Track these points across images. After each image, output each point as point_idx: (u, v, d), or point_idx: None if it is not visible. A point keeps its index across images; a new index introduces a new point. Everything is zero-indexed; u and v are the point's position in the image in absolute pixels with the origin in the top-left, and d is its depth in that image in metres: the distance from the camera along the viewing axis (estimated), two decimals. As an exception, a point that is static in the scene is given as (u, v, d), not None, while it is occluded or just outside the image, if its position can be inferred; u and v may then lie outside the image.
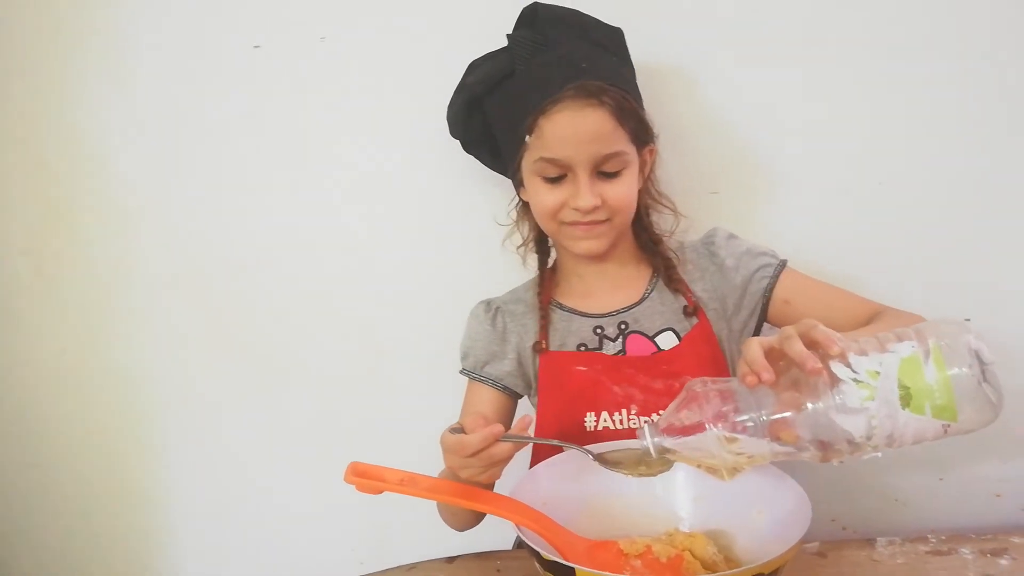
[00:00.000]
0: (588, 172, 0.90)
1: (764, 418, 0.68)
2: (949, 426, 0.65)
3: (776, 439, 0.68)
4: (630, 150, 0.92)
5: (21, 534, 1.42)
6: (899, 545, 0.92)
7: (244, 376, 1.31)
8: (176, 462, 1.36)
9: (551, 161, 0.90)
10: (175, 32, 1.19)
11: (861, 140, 1.11)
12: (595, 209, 0.91)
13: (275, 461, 1.33)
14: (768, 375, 0.66)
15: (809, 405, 0.66)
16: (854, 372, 0.65)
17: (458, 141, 1.04)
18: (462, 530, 0.98)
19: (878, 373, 0.64)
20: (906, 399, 0.64)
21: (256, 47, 1.17)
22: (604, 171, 0.91)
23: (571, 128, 0.88)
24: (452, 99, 1.00)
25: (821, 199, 1.13)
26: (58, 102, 1.24)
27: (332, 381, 1.28)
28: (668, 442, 0.72)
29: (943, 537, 0.93)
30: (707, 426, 0.68)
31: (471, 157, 1.06)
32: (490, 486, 0.86)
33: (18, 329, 1.34)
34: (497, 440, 0.75)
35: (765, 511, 0.79)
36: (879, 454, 0.67)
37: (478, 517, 0.95)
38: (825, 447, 0.67)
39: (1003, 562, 0.88)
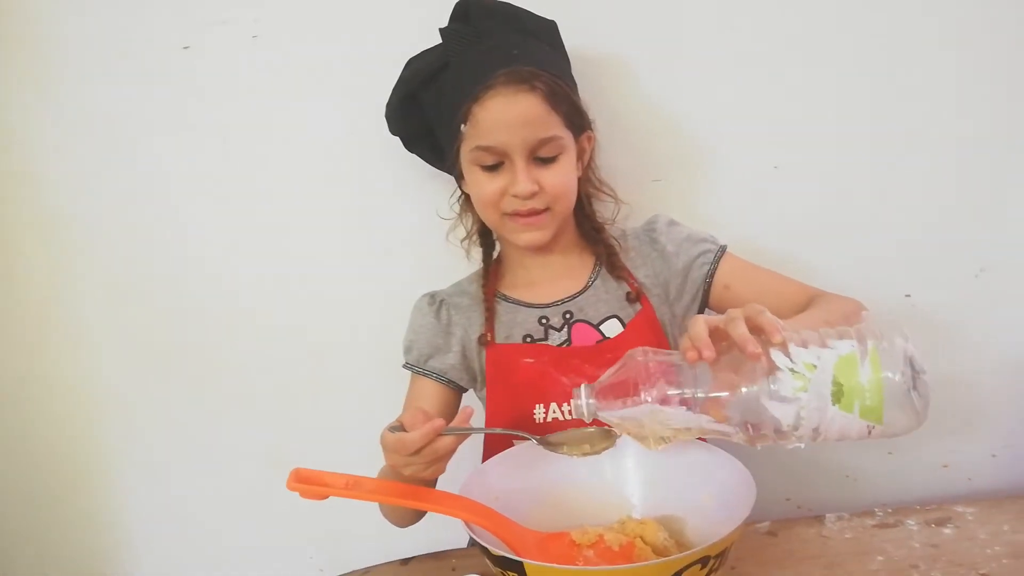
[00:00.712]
0: (524, 158, 0.90)
1: (698, 395, 0.68)
2: (873, 428, 0.66)
3: (707, 416, 0.68)
4: (565, 135, 0.92)
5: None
6: (847, 520, 0.94)
7: (188, 383, 1.27)
8: (125, 474, 1.32)
9: (486, 149, 0.90)
10: (102, 35, 1.16)
11: (799, 125, 1.12)
12: (533, 195, 0.91)
13: (226, 470, 1.30)
14: (709, 352, 0.67)
15: (743, 388, 0.67)
16: (791, 362, 0.66)
17: (399, 139, 1.04)
18: (404, 526, 0.97)
19: (815, 366, 0.65)
20: (837, 395, 0.65)
21: (185, 48, 1.14)
22: (540, 157, 0.91)
23: (503, 114, 0.88)
24: (390, 97, 1.00)
25: (761, 184, 1.14)
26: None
27: (278, 383, 1.26)
28: (602, 408, 0.72)
29: (890, 510, 0.95)
30: (641, 395, 0.69)
31: (412, 158, 1.05)
32: (433, 482, 0.86)
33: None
34: (439, 435, 0.74)
35: (714, 495, 0.80)
36: (802, 445, 0.68)
37: (420, 513, 0.94)
38: (752, 430, 0.68)
39: (947, 531, 0.90)
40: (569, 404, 0.94)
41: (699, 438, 0.74)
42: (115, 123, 1.18)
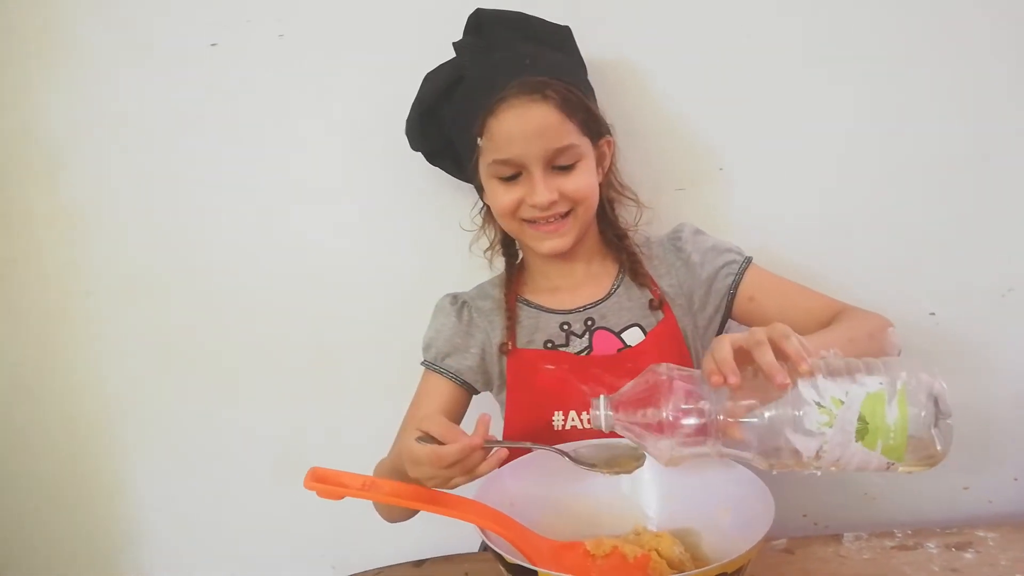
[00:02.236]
0: (541, 168, 0.90)
1: (719, 417, 0.67)
2: (893, 464, 0.66)
3: (726, 439, 0.68)
4: (582, 142, 0.92)
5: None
6: (865, 540, 0.92)
7: (204, 383, 1.28)
8: (140, 471, 1.33)
9: (504, 162, 0.90)
10: (129, 31, 1.17)
11: (824, 138, 1.11)
12: (552, 204, 0.91)
13: (240, 467, 1.30)
14: (734, 379, 0.66)
15: (767, 415, 0.66)
16: (819, 396, 0.65)
17: (421, 154, 1.04)
18: (395, 522, 0.96)
19: (842, 403, 0.64)
20: (862, 432, 0.64)
21: (213, 45, 1.15)
22: (558, 165, 0.91)
23: (517, 125, 0.88)
24: (409, 113, 1.01)
25: (784, 197, 1.13)
26: (8, 104, 1.20)
27: (290, 382, 1.26)
28: (619, 422, 0.72)
29: (909, 531, 0.93)
30: (660, 412, 0.68)
31: (432, 165, 1.06)
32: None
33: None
34: (476, 450, 0.73)
35: (731, 509, 0.79)
36: (819, 473, 0.67)
37: (412, 512, 0.93)
38: (771, 457, 0.67)
39: (968, 556, 0.88)
40: (588, 412, 0.93)
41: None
42: (137, 118, 1.19)
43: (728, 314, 0.99)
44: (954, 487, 1.20)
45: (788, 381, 0.64)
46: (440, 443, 0.73)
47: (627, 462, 0.79)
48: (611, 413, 0.72)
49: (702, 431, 0.68)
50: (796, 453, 0.65)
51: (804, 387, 0.65)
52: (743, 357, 0.67)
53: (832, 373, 0.66)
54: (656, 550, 0.78)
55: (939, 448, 0.65)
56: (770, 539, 0.90)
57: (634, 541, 0.81)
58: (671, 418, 0.68)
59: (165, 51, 1.17)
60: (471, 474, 0.75)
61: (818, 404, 0.64)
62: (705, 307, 0.98)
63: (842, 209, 1.13)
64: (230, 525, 1.34)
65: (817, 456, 0.65)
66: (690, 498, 0.83)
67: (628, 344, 0.97)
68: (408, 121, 1.01)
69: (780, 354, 0.66)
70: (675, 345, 0.96)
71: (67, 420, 1.32)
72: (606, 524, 0.84)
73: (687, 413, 0.68)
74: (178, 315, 1.26)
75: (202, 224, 1.22)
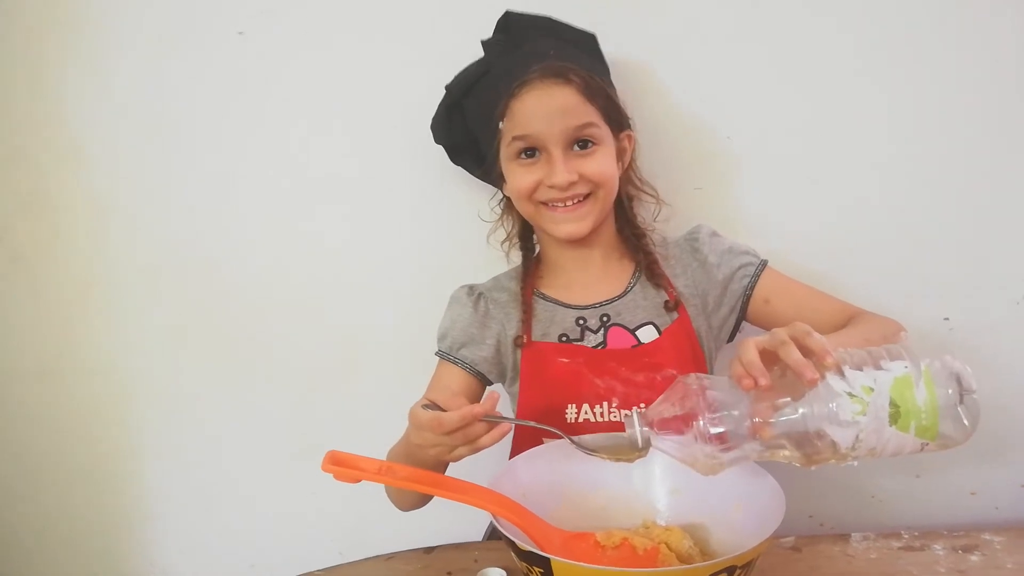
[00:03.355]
0: (561, 148, 0.91)
1: (754, 420, 0.68)
2: (927, 444, 0.67)
3: (761, 441, 0.68)
4: (602, 126, 0.93)
5: (-4, 522, 1.42)
6: (873, 540, 0.93)
7: (222, 367, 1.30)
8: (155, 454, 1.35)
9: (522, 138, 0.92)
10: (156, 21, 1.18)
11: (845, 139, 1.11)
12: (571, 185, 0.92)
13: (253, 452, 1.32)
14: (765, 380, 0.67)
15: (802, 412, 0.67)
16: (849, 386, 0.66)
17: (444, 149, 1.05)
18: (407, 510, 0.97)
19: (872, 389, 0.66)
20: (895, 417, 0.65)
21: (240, 33, 1.16)
22: (579, 143, 0.92)
23: (539, 103, 0.89)
24: (437, 108, 1.03)
25: (800, 199, 1.14)
26: (36, 92, 1.22)
27: (310, 372, 1.28)
28: (654, 437, 0.73)
29: (916, 533, 0.94)
30: (696, 422, 0.69)
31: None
32: (442, 469, 0.86)
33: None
34: (476, 420, 0.74)
35: (742, 506, 0.80)
36: (856, 463, 0.69)
37: (425, 499, 0.95)
38: (809, 453, 0.68)
39: (973, 558, 0.89)
40: (601, 406, 0.95)
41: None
42: (160, 110, 1.21)
43: (743, 316, 1.00)
44: (961, 491, 1.21)
45: (817, 376, 0.65)
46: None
47: (630, 451, 0.79)
48: (647, 430, 0.73)
49: (739, 436, 0.69)
50: (834, 445, 0.66)
51: (833, 380, 0.66)
52: (768, 358, 0.68)
53: (857, 364, 0.67)
54: (666, 543, 0.79)
55: (967, 424, 0.67)
56: (777, 537, 0.91)
57: (644, 534, 0.82)
58: (707, 427, 0.69)
59: (190, 43, 1.18)
60: (473, 445, 0.76)
61: (850, 394, 0.65)
62: (720, 308, 0.99)
63: (858, 214, 1.13)
64: (240, 511, 1.36)
65: (854, 446, 0.66)
66: (700, 493, 0.83)
67: (642, 342, 0.97)
68: (435, 115, 1.03)
69: (804, 351, 0.67)
70: (689, 344, 0.97)
71: (84, 403, 1.34)
72: (616, 517, 0.85)
73: (722, 420, 0.69)
74: (196, 304, 1.27)
75: (221, 214, 1.24)
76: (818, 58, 1.10)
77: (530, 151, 0.92)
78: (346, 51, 1.16)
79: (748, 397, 0.69)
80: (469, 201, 1.13)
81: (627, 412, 0.92)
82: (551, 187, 0.92)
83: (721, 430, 0.69)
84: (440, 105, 1.02)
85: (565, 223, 0.95)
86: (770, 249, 1.03)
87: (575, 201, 0.93)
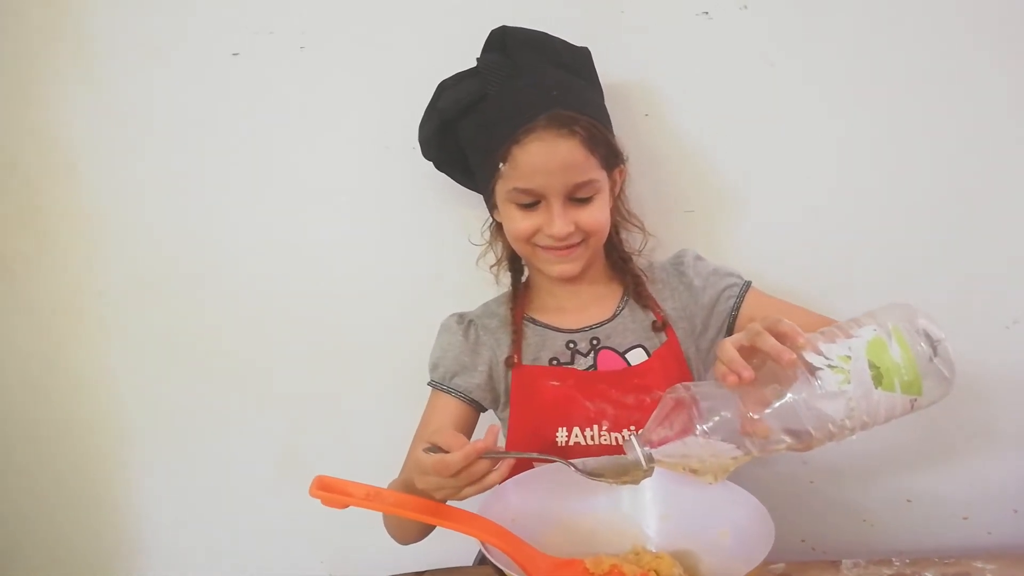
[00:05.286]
0: (561, 200, 0.91)
1: (749, 415, 0.68)
2: (915, 400, 0.68)
3: (760, 435, 0.69)
4: (601, 176, 0.93)
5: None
6: (863, 567, 0.92)
7: (212, 385, 1.29)
8: (144, 471, 1.34)
9: (525, 191, 0.91)
10: (150, 35, 1.18)
11: (829, 161, 1.12)
12: (568, 235, 0.92)
13: (243, 472, 1.31)
14: (748, 373, 0.67)
15: (790, 396, 0.67)
16: (827, 358, 0.67)
17: (430, 161, 1.05)
18: (408, 543, 0.96)
19: (849, 357, 0.67)
20: (878, 378, 0.67)
21: (235, 55, 1.17)
22: (576, 198, 0.92)
23: (544, 158, 0.89)
24: (423, 122, 1.01)
25: (789, 225, 1.14)
26: (28, 103, 1.22)
27: (300, 388, 1.27)
28: (657, 452, 0.72)
29: (907, 560, 0.93)
30: (693, 431, 0.69)
31: (445, 176, 1.07)
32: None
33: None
34: (479, 457, 0.73)
35: (730, 532, 0.79)
36: (855, 437, 0.69)
37: (425, 532, 0.94)
38: (806, 436, 0.68)
39: (965, 586, 0.89)
40: (591, 429, 0.95)
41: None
42: (154, 121, 1.20)
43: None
44: (954, 516, 1.21)
45: (794, 356, 0.66)
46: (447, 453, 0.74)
47: (636, 472, 0.78)
48: (647, 448, 0.73)
49: (737, 434, 0.69)
50: (827, 420, 0.67)
51: (811, 356, 0.67)
52: (747, 353, 0.69)
53: (829, 338, 0.69)
54: (655, 571, 0.79)
55: (946, 374, 0.69)
56: (767, 563, 0.90)
57: (633, 561, 0.81)
58: (705, 432, 0.69)
59: (186, 54, 1.18)
60: (479, 484, 0.75)
61: (830, 366, 0.66)
62: (707, 330, 1.00)
63: (847, 236, 1.14)
64: (230, 529, 1.35)
65: (848, 416, 0.67)
66: (690, 520, 0.83)
67: (632, 364, 0.97)
68: (422, 130, 1.01)
69: (778, 337, 0.68)
70: (678, 366, 0.97)
71: (74, 415, 1.33)
72: (605, 542, 0.84)
73: (718, 422, 0.69)
74: (188, 317, 1.27)
75: (214, 227, 1.23)
76: (809, 79, 1.10)
77: (530, 202, 0.93)
78: (338, 69, 1.16)
79: (736, 396, 0.69)
80: (463, 220, 1.13)
81: (619, 435, 0.93)
82: (549, 236, 0.92)
83: (719, 429, 0.69)
84: (429, 121, 1.00)
85: (558, 264, 0.96)
86: (760, 269, 1.04)
87: (569, 246, 0.94)
